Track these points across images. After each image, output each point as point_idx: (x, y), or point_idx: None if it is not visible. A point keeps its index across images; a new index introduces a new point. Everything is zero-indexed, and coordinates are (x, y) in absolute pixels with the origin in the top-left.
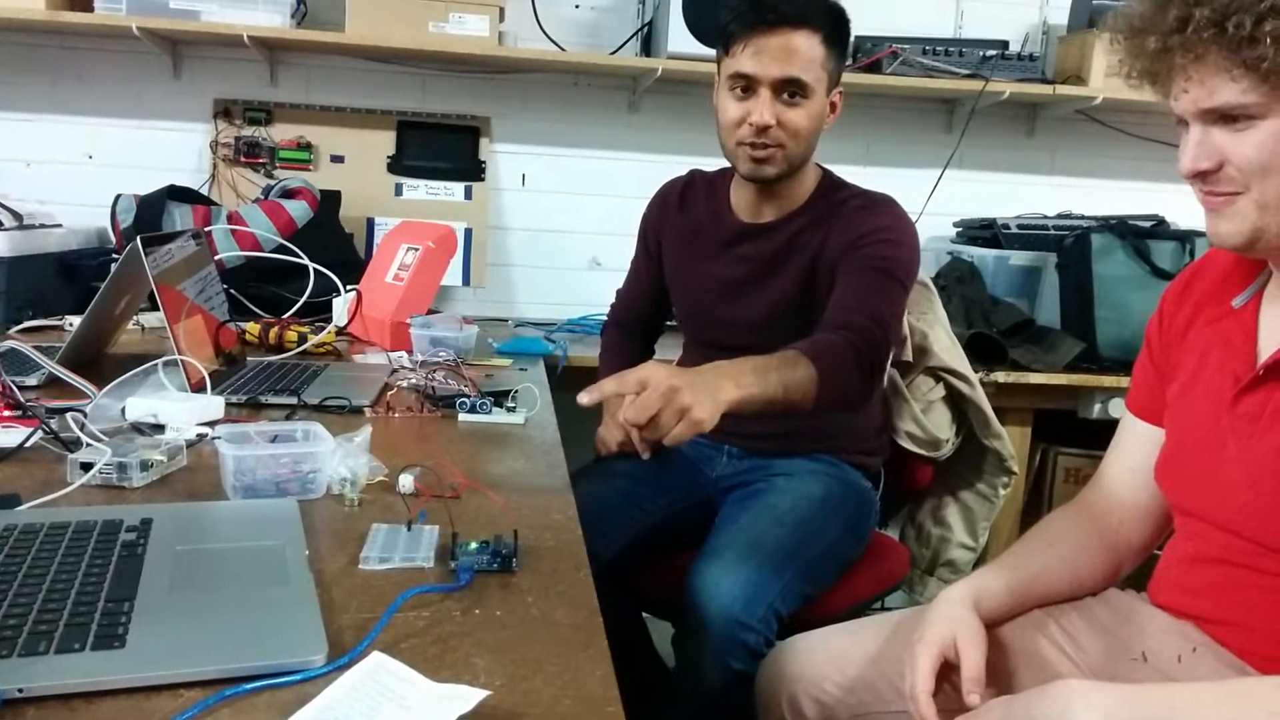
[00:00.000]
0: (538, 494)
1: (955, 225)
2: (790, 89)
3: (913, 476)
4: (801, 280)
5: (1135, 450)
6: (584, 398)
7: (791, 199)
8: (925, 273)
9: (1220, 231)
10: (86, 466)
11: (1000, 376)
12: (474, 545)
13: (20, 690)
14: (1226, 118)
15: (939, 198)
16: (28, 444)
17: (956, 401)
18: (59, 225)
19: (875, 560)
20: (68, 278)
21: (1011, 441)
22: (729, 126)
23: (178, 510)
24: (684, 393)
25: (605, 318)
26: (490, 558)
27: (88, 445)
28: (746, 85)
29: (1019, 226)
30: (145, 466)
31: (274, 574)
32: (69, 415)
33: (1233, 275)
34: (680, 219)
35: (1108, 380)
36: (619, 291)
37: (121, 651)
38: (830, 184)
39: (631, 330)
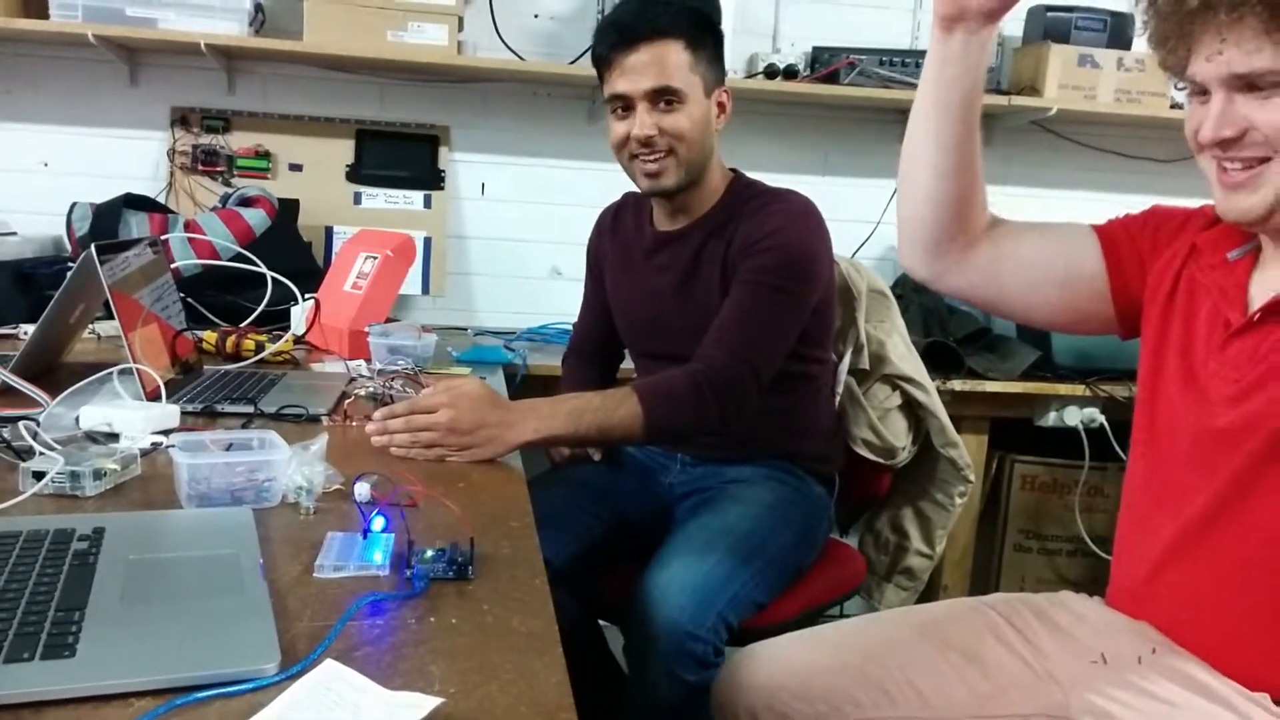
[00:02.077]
0: (495, 501)
1: None
2: (664, 98)
3: (871, 484)
4: (721, 284)
5: (1056, 234)
6: (372, 432)
7: (701, 205)
8: (884, 281)
9: (1239, 206)
10: (39, 475)
11: (957, 385)
12: (430, 553)
13: None
14: (1252, 85)
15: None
16: None
17: (913, 409)
18: (14, 234)
19: (830, 567)
20: (23, 287)
21: (968, 449)
22: (617, 146)
23: (131, 519)
24: (468, 434)
25: (567, 330)
26: (446, 565)
27: (40, 454)
28: (624, 104)
29: None
30: (98, 475)
31: (228, 583)
32: (21, 424)
33: (1231, 234)
34: (613, 240)
35: (1063, 388)
36: (575, 322)
37: (71, 661)
38: (739, 186)
39: (589, 358)
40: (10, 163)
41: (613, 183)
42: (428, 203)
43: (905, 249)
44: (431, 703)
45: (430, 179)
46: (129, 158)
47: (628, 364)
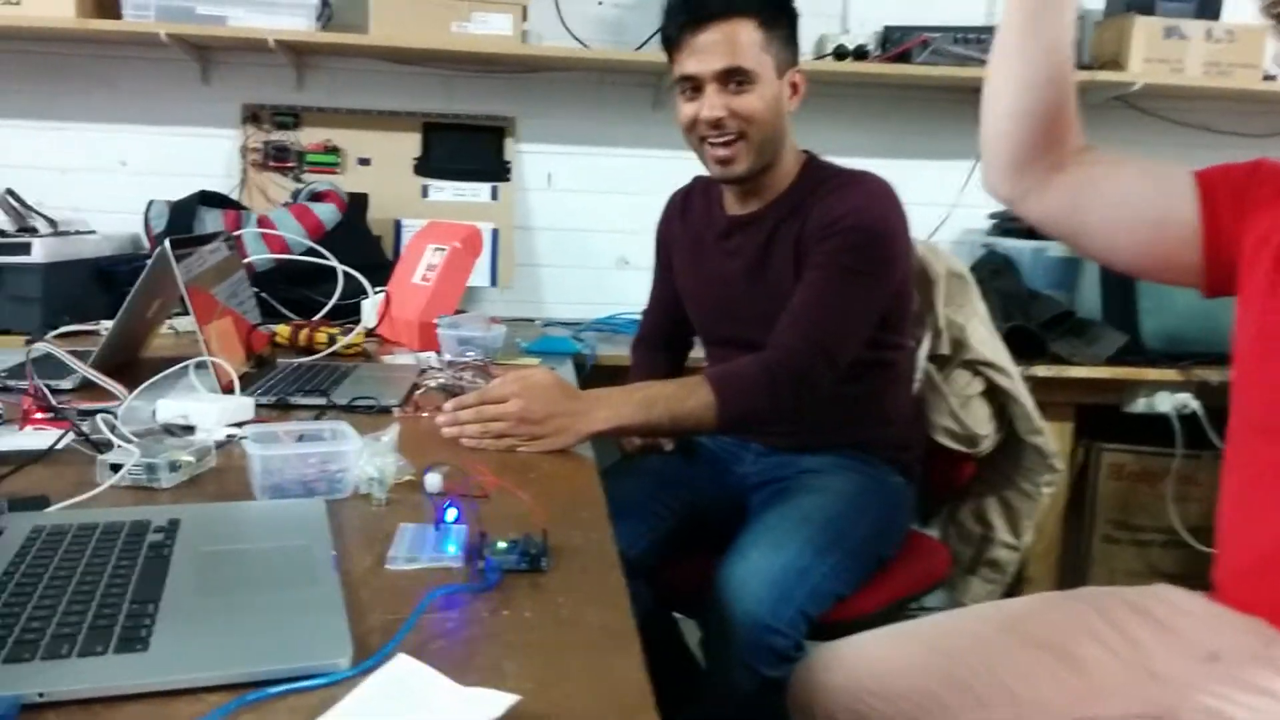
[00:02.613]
0: (567, 492)
1: (991, 217)
2: (734, 79)
3: (953, 473)
4: (794, 269)
5: (1153, 172)
6: (442, 423)
7: (773, 188)
8: (960, 266)
9: None
10: (116, 468)
11: (1040, 371)
12: (502, 545)
13: (40, 695)
14: None
15: (972, 190)
16: (59, 446)
17: (996, 396)
18: (93, 232)
19: (912, 559)
20: (104, 284)
21: (1053, 437)
22: (686, 128)
23: (205, 511)
24: (539, 424)
25: (635, 319)
26: (519, 557)
27: (118, 447)
28: (694, 85)
29: None
30: (174, 467)
31: (300, 575)
32: (99, 417)
33: None
34: (683, 225)
35: (1152, 373)
36: (644, 310)
37: (144, 655)
38: (813, 168)
39: (659, 345)
40: (89, 162)
41: (679, 169)
42: (494, 194)
43: (989, 167)
44: (507, 700)
45: (496, 170)
46: (202, 155)
47: (698, 353)
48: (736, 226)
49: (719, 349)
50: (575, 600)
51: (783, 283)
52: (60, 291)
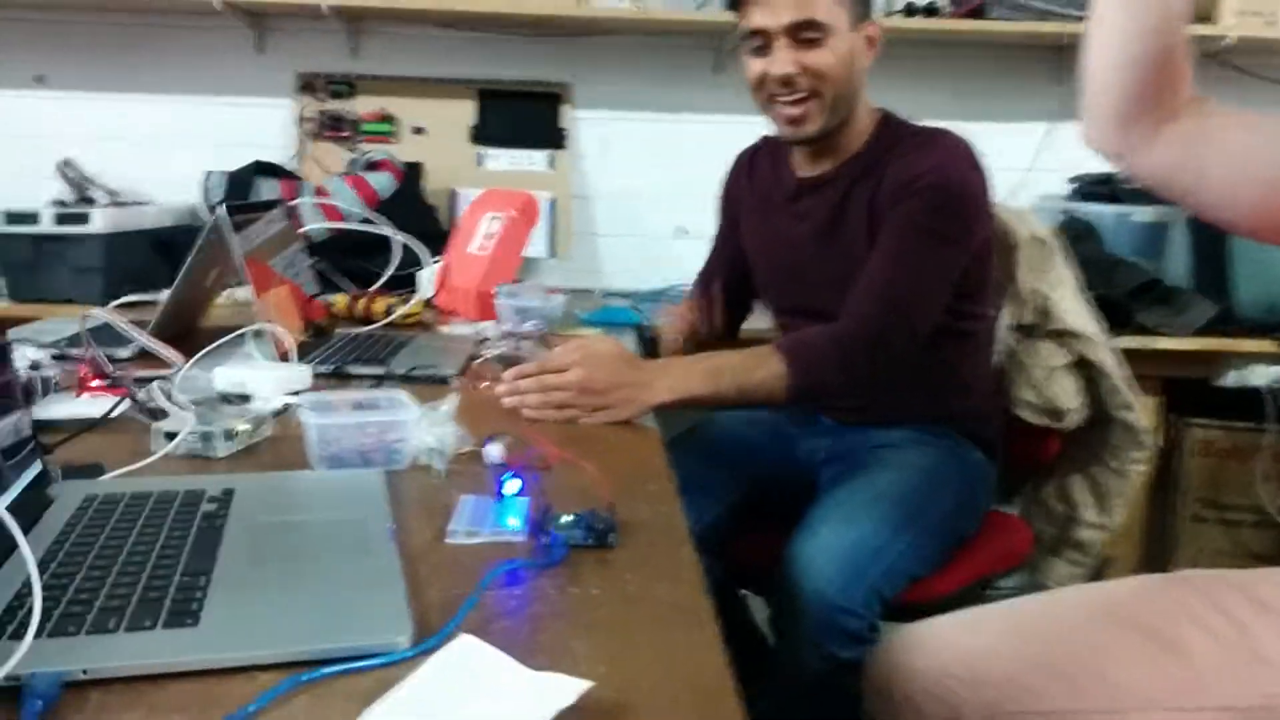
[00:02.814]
0: (632, 464)
1: (1071, 181)
2: (806, 32)
3: (1035, 449)
4: (868, 232)
5: (1273, 127)
6: (502, 393)
7: (846, 148)
8: (1044, 230)
9: None
10: (171, 436)
11: (1125, 342)
12: (567, 519)
13: (85, 671)
14: None
15: (1049, 153)
16: (114, 414)
17: (1084, 368)
18: (151, 203)
19: (993, 538)
20: (164, 254)
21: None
22: (754, 86)
23: (260, 481)
24: (601, 394)
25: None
26: (585, 532)
27: (173, 415)
28: (762, 41)
29: None
30: (229, 436)
31: (357, 548)
32: (154, 384)
33: None
34: (750, 186)
35: (1247, 345)
36: (700, 272)
37: (194, 630)
38: (889, 126)
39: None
40: (146, 133)
41: (741, 135)
42: (551, 162)
43: (1093, 122)
44: (579, 686)
45: (553, 138)
46: (258, 125)
47: (755, 325)
48: (806, 188)
49: (788, 318)
50: (644, 577)
51: (856, 247)
52: (121, 262)
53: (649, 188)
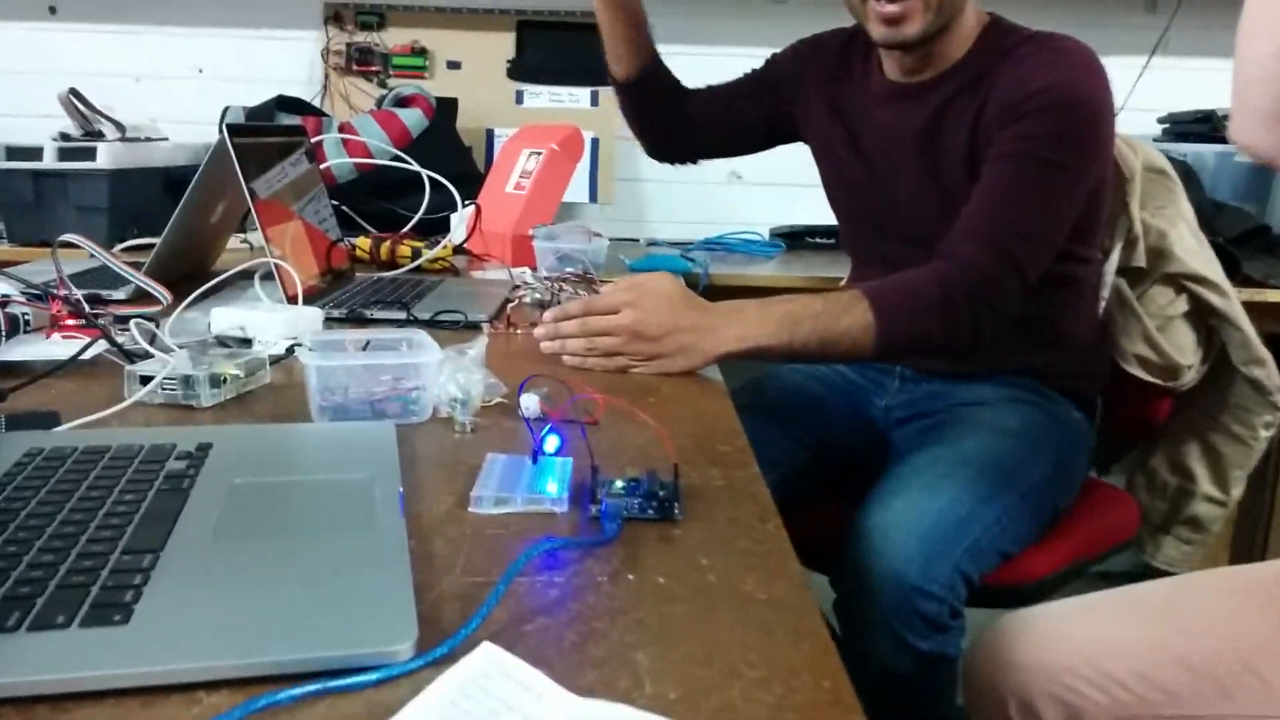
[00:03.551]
0: (695, 420)
1: (1161, 121)
2: None
3: (1144, 411)
4: (967, 158)
5: None
6: (541, 337)
7: (947, 55)
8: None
9: None
10: (146, 380)
11: None
12: (620, 484)
13: None
14: None
15: (1143, 89)
16: (85, 356)
17: (1204, 317)
18: (165, 139)
19: (1091, 512)
20: (176, 194)
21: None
22: None
23: (246, 433)
24: (656, 341)
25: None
26: (644, 501)
27: (156, 359)
28: None
29: None
30: (216, 382)
31: (355, 519)
32: (133, 323)
33: None
34: (821, 81)
35: None
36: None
37: (122, 630)
38: (999, 31)
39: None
40: (163, 69)
41: None
42: (594, 100)
43: (1243, 116)
44: None
45: (597, 72)
46: (282, 59)
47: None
48: (895, 95)
49: (869, 256)
50: (724, 561)
51: (954, 174)
52: (128, 202)
53: None
